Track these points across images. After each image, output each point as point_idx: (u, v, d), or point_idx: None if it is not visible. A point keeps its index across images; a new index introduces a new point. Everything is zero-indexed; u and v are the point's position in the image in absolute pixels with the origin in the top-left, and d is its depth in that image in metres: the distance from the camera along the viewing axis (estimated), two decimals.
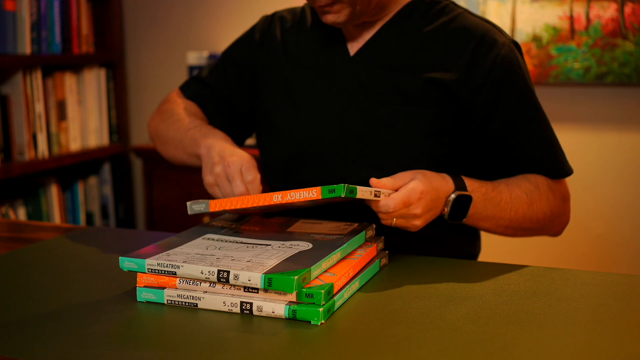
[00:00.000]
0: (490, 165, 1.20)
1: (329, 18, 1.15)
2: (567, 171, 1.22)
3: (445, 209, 1.07)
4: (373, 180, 1.01)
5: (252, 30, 1.36)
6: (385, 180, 1.02)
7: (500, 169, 1.20)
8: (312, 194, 0.93)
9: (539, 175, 1.19)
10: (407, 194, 1.00)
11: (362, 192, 0.94)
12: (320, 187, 0.92)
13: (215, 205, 1.02)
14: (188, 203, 1.05)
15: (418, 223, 1.03)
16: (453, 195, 1.07)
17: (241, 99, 1.34)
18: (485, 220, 1.14)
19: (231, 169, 1.09)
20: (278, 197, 0.96)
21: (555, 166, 1.20)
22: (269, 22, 1.34)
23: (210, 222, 1.09)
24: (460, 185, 1.09)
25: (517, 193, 1.16)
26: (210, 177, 1.12)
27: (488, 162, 1.20)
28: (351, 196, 0.92)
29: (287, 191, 0.95)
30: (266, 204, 0.97)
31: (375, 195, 0.98)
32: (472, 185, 1.11)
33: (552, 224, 1.22)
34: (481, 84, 1.14)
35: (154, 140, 1.40)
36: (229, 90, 1.35)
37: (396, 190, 1.01)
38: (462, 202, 1.08)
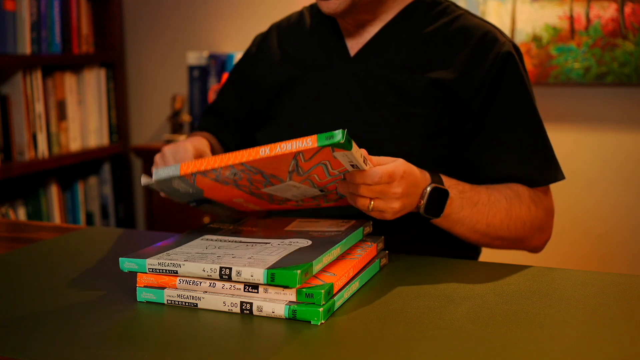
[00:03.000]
0: (474, 166, 1.18)
1: (331, 5, 1.15)
2: (552, 178, 1.18)
3: (422, 201, 1.04)
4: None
5: (249, 47, 1.39)
6: (375, 162, 0.98)
7: (482, 171, 1.17)
8: (306, 142, 0.85)
9: (521, 185, 1.16)
10: (392, 169, 0.96)
11: (357, 149, 0.88)
12: (315, 135, 0.85)
13: (187, 167, 0.93)
14: (154, 170, 0.96)
15: (396, 206, 0.99)
16: (429, 187, 1.04)
17: (246, 112, 1.36)
18: (461, 223, 1.11)
19: (163, 152, 1.10)
20: (265, 151, 0.87)
21: (539, 173, 1.17)
22: (265, 35, 1.37)
23: (208, 224, 1.09)
24: (437, 180, 1.07)
25: (496, 197, 1.13)
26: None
27: (472, 162, 1.18)
28: (346, 148, 0.85)
29: (276, 143, 0.86)
30: (250, 159, 0.88)
31: (364, 162, 0.93)
32: (449, 182, 1.09)
33: (531, 236, 1.17)
34: (481, 82, 1.14)
35: None
36: (236, 109, 1.37)
37: None
38: (439, 197, 1.06)
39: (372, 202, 0.98)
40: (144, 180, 0.98)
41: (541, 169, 1.18)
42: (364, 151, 0.94)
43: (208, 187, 1.00)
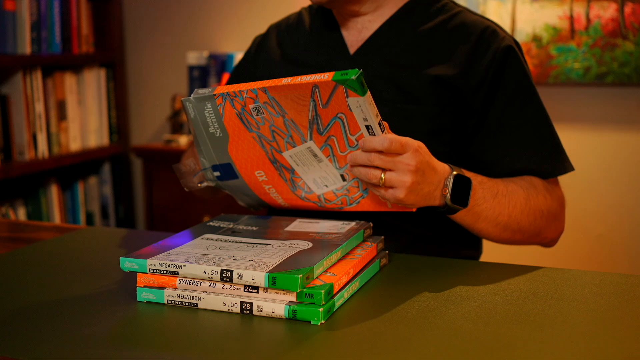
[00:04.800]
0: (484, 163, 1.18)
1: None
2: (563, 169, 1.18)
3: (446, 189, 1.01)
4: None
5: (248, 49, 1.39)
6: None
7: (494, 167, 1.17)
8: (323, 76, 0.90)
9: (533, 177, 1.16)
10: (406, 139, 0.94)
11: (371, 99, 0.90)
12: (333, 72, 0.89)
13: (219, 89, 0.99)
14: (195, 90, 1.03)
15: (408, 180, 0.94)
16: (453, 175, 1.01)
17: None
18: (484, 216, 1.09)
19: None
20: (287, 80, 0.93)
21: (550, 164, 1.17)
22: (264, 35, 1.37)
23: (208, 222, 1.09)
24: (456, 169, 1.03)
25: (513, 187, 1.12)
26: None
27: (481, 159, 1.18)
28: (358, 91, 0.88)
29: (297, 76, 0.93)
30: (272, 84, 0.93)
31: (379, 126, 0.93)
32: (468, 173, 1.07)
33: (548, 226, 1.17)
34: (482, 77, 1.14)
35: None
36: None
37: None
38: (462, 185, 1.03)
39: (384, 175, 0.95)
40: (195, 93, 1.02)
41: (551, 160, 1.17)
42: (384, 123, 0.94)
43: (233, 133, 1.01)
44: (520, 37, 2.29)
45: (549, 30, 2.26)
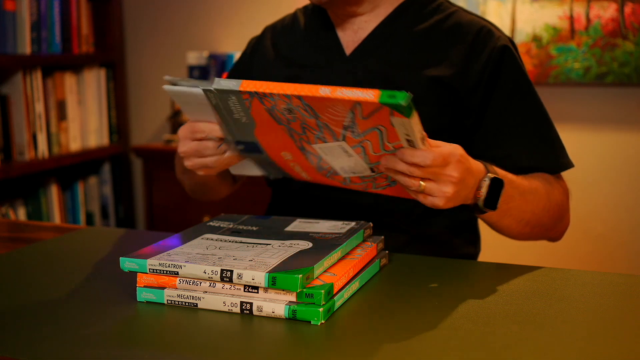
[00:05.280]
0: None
1: None
2: (566, 165, 1.18)
3: (481, 192, 0.98)
4: None
5: (244, 51, 1.39)
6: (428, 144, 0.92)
7: (502, 166, 1.17)
8: (367, 94, 0.82)
9: (540, 173, 1.16)
10: (448, 152, 0.90)
11: (417, 120, 0.85)
12: (379, 90, 0.82)
13: (248, 85, 0.91)
14: (216, 79, 0.94)
15: (449, 190, 0.92)
16: (488, 178, 0.98)
17: None
18: (509, 214, 1.06)
19: (179, 134, 1.08)
20: (325, 91, 0.84)
21: (554, 160, 1.17)
22: (258, 38, 1.37)
23: (208, 222, 1.09)
24: (491, 169, 1.00)
25: (536, 184, 1.10)
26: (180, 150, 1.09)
27: (483, 159, 1.18)
28: (405, 113, 0.82)
29: (337, 87, 0.85)
30: (309, 94, 0.86)
31: (421, 141, 0.89)
32: (499, 171, 1.04)
33: (560, 220, 1.17)
34: (479, 77, 1.15)
35: (198, 197, 1.42)
36: None
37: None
38: (494, 187, 1.00)
39: (423, 183, 0.91)
40: (217, 84, 0.94)
41: (554, 156, 1.17)
42: (424, 133, 0.90)
43: (261, 122, 0.97)
44: (520, 37, 2.29)
45: (549, 30, 2.26)
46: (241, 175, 1.29)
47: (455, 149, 0.92)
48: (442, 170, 0.90)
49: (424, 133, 0.89)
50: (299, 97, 0.88)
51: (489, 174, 0.99)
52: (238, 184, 1.40)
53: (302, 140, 0.98)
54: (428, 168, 0.90)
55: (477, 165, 0.98)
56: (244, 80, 0.91)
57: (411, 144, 0.89)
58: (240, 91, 0.92)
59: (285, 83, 0.89)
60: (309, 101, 0.88)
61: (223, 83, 0.93)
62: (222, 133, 1.05)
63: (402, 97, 0.80)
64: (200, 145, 1.05)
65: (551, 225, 1.16)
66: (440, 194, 0.92)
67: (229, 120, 1.01)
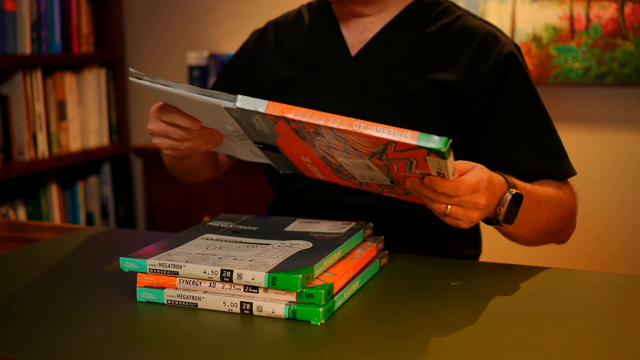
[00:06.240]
0: (491, 169, 1.17)
1: None
2: (570, 172, 1.18)
3: (502, 209, 0.97)
4: None
5: (245, 43, 1.37)
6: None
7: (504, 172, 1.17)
8: (405, 136, 0.79)
9: (549, 180, 1.15)
10: (477, 181, 0.90)
11: (452, 159, 0.84)
12: (417, 132, 0.80)
13: (274, 108, 0.86)
14: (239, 96, 0.89)
15: (475, 216, 0.93)
16: (509, 194, 0.97)
17: None
18: (524, 224, 1.05)
19: (150, 110, 1.06)
20: (360, 126, 0.81)
21: (559, 167, 1.16)
22: (261, 32, 1.35)
23: (208, 222, 1.09)
24: (511, 183, 0.99)
25: (550, 192, 1.09)
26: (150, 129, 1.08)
27: (488, 165, 1.17)
28: (443, 157, 0.81)
29: (372, 123, 0.82)
30: (342, 128, 0.82)
31: (452, 174, 0.88)
32: (519, 184, 1.02)
33: (570, 224, 1.16)
34: (484, 83, 1.14)
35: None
36: None
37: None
38: (514, 201, 0.99)
39: (449, 208, 0.91)
40: (241, 102, 0.89)
41: (559, 163, 1.16)
42: (455, 167, 0.90)
43: (284, 135, 0.94)
44: (520, 37, 2.29)
45: (549, 30, 2.26)
46: (230, 157, 1.27)
47: (482, 174, 0.91)
48: (469, 198, 0.90)
49: (455, 166, 0.89)
50: (331, 129, 0.85)
51: (510, 189, 0.98)
52: (222, 170, 1.39)
53: (325, 153, 0.97)
54: (458, 197, 0.90)
55: (500, 182, 0.97)
56: (270, 102, 0.87)
57: (441, 174, 0.88)
58: (266, 114, 0.88)
59: (316, 111, 0.85)
60: (340, 132, 0.85)
61: (247, 102, 0.89)
62: (187, 122, 1.03)
63: (442, 144, 0.79)
64: (168, 127, 1.04)
65: (562, 230, 1.15)
66: (465, 218, 0.93)
67: (250, 129, 0.98)
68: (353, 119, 0.83)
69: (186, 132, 1.03)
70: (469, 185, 0.89)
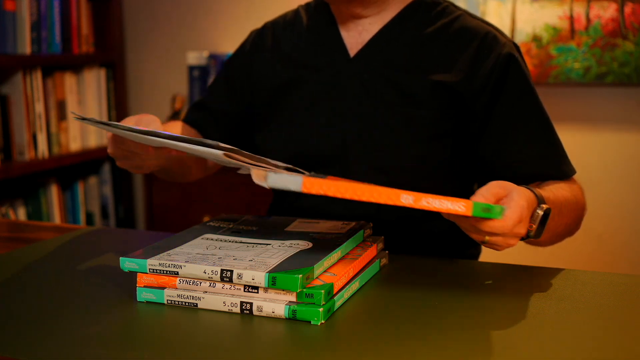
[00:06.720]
0: (492, 169, 1.17)
1: None
2: (570, 172, 1.17)
3: (533, 226, 0.94)
4: (477, 197, 0.87)
5: (243, 44, 1.36)
6: (488, 195, 0.88)
7: (503, 172, 1.15)
8: (458, 207, 0.76)
9: (556, 180, 1.14)
10: (519, 213, 0.88)
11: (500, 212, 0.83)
12: (471, 203, 0.77)
13: (311, 185, 0.74)
14: (270, 174, 0.75)
15: (514, 243, 0.92)
16: (541, 210, 0.95)
17: (239, 110, 1.33)
18: (547, 231, 1.01)
19: (107, 135, 1.07)
20: (408, 199, 0.76)
21: (559, 167, 1.16)
22: (259, 32, 1.34)
23: (208, 222, 1.09)
24: (540, 198, 0.97)
25: (565, 195, 1.08)
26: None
27: (490, 166, 1.17)
28: (496, 217, 0.81)
29: (422, 194, 0.76)
30: (390, 203, 0.76)
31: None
32: (545, 195, 1.00)
33: (581, 219, 1.16)
34: (484, 83, 1.14)
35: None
36: (227, 104, 1.33)
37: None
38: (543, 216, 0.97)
39: (488, 237, 0.90)
40: (272, 181, 0.76)
41: (559, 163, 1.16)
42: (479, 199, 0.87)
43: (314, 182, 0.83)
44: (520, 37, 2.29)
45: (549, 30, 2.26)
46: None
47: (521, 201, 0.89)
48: (511, 230, 0.89)
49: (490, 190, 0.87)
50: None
51: (541, 205, 0.96)
52: (211, 170, 1.38)
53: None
54: (504, 234, 0.89)
55: (531, 200, 0.94)
56: (306, 178, 0.75)
57: None
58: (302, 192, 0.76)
59: (359, 184, 0.78)
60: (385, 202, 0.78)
61: (278, 180, 0.75)
62: (139, 149, 1.02)
63: (498, 213, 0.78)
64: (126, 152, 1.07)
65: (576, 227, 1.16)
66: (505, 245, 0.92)
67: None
68: (399, 190, 0.76)
69: (144, 155, 1.06)
70: (514, 223, 0.87)
